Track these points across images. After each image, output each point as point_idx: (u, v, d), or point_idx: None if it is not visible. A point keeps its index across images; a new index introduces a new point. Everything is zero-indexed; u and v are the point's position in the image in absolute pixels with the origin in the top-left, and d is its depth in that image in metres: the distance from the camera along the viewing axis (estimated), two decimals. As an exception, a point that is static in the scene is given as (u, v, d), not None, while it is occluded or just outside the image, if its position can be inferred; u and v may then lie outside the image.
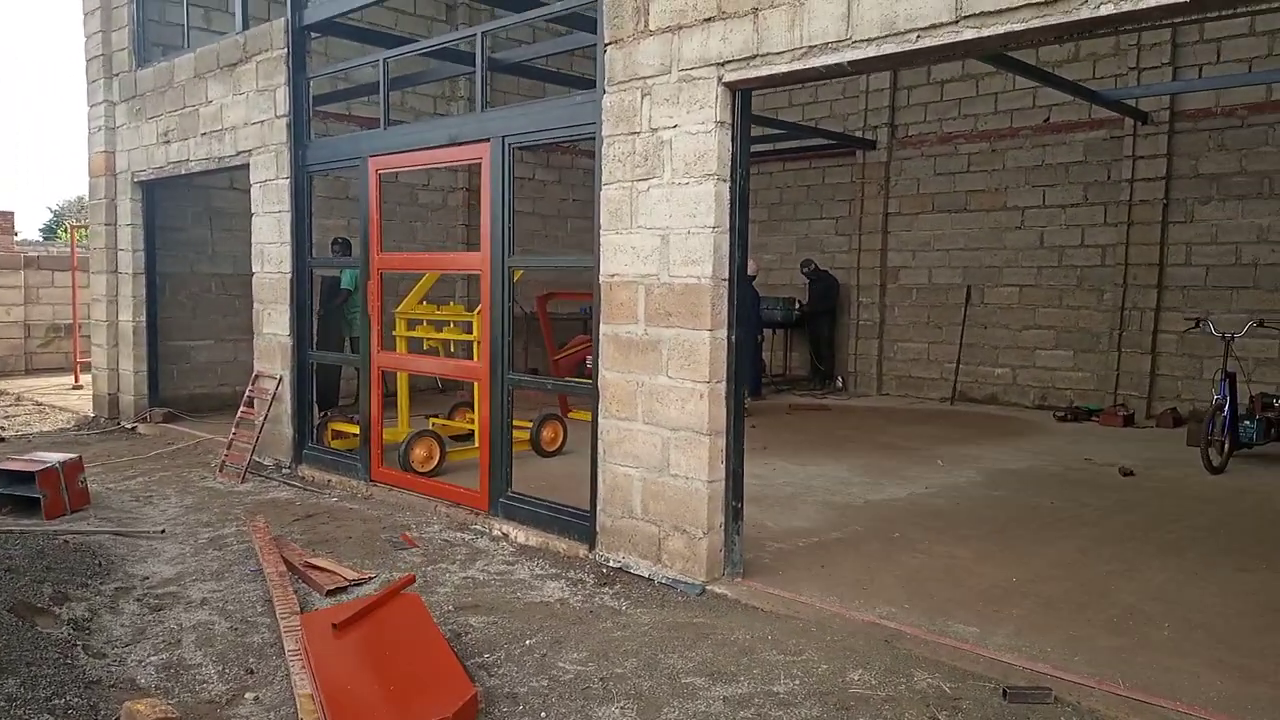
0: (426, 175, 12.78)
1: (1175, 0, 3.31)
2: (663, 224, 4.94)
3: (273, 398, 7.87)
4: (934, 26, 3.89)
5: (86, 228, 11.36)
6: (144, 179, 9.88)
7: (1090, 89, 10.12)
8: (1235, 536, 5.92)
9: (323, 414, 8.67)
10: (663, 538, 5.01)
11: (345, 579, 4.98)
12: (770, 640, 4.07)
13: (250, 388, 8.16)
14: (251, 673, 3.90)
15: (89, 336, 11.32)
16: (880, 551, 5.50)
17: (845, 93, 13.45)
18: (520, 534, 5.81)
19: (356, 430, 7.54)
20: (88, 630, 4.28)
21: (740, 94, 4.77)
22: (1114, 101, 10.36)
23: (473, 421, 8.03)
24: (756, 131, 4.81)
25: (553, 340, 10.08)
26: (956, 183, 12.47)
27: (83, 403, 11.61)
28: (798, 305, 13.57)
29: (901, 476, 7.58)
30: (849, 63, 4.22)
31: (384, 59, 7.00)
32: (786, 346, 14.39)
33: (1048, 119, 11.63)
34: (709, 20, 4.69)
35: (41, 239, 34.50)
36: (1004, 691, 3.54)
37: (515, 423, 6.35)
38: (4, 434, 9.61)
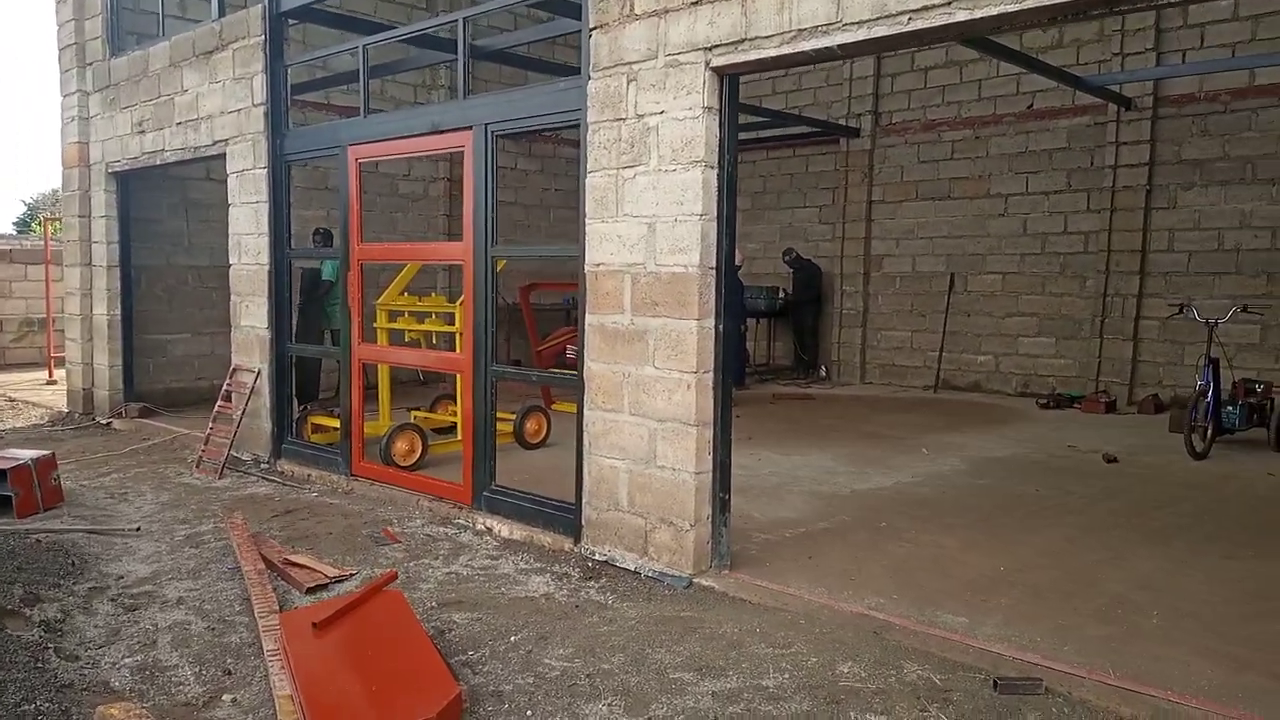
0: (407, 165, 12.64)
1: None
2: (649, 212, 4.86)
3: (251, 391, 7.74)
4: (926, 8, 3.82)
5: (60, 220, 11.15)
6: (119, 170, 9.69)
7: (1074, 75, 10.11)
8: (1221, 523, 5.93)
9: (302, 407, 8.54)
10: (649, 530, 4.95)
11: (326, 576, 4.89)
12: (759, 633, 4.02)
13: (228, 381, 8.03)
14: (229, 674, 3.81)
15: (63, 331, 11.13)
16: (867, 541, 5.47)
17: (829, 80, 13.40)
18: (504, 528, 5.74)
19: (337, 424, 7.43)
20: (60, 632, 4.17)
21: (728, 79, 4.69)
22: (1098, 87, 10.37)
23: (455, 414, 7.92)
24: (740, 119, 4.74)
25: (536, 331, 9.99)
26: (940, 170, 12.46)
27: (57, 398, 11.41)
28: (781, 294, 13.54)
29: (887, 465, 7.55)
30: (839, 46, 4.14)
31: (363, 45, 6.87)
32: (770, 336, 14.36)
33: (1031, 105, 11.62)
34: (696, 3, 4.60)
35: (15, 232, 33.97)
36: (994, 683, 3.51)
37: (499, 415, 6.27)
38: (-24, 430, 9.44)
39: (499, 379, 6.09)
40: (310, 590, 4.72)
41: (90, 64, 9.89)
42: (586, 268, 5.20)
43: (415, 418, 8.23)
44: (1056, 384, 11.50)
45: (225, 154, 8.00)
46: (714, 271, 4.76)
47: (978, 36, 6.40)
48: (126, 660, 3.95)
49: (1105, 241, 11.06)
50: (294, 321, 8.33)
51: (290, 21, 7.77)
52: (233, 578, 4.94)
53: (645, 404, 4.93)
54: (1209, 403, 7.96)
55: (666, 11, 4.74)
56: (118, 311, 10.05)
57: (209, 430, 7.82)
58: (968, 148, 12.19)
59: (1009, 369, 12.04)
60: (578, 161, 5.28)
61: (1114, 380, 11.02)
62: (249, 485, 7.17)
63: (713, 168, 4.68)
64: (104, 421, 9.95)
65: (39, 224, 29.95)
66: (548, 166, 14.16)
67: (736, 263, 5.08)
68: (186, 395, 10.62)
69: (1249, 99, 10.11)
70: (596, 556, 5.18)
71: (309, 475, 7.30)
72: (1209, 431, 7.98)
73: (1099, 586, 4.69)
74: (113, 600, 4.65)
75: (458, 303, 7.61)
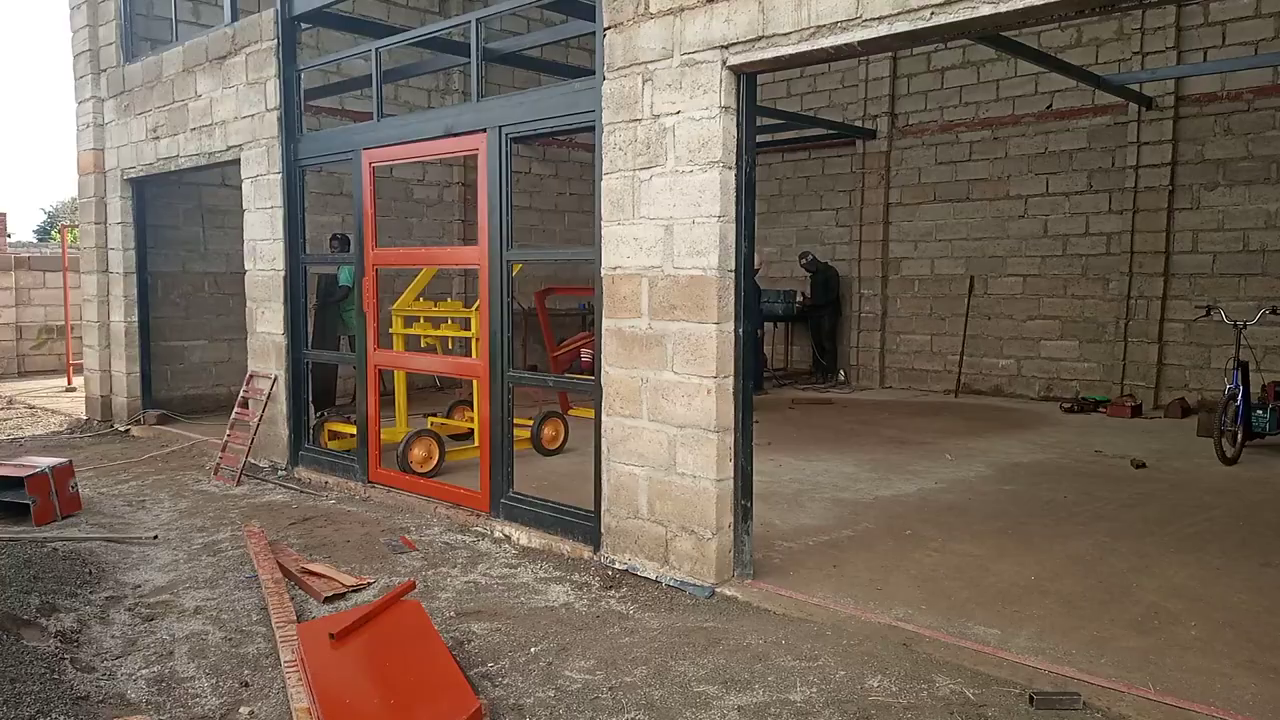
0: (422, 170, 12.63)
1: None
2: (666, 214, 4.78)
3: (268, 398, 7.71)
4: (949, 2, 3.72)
5: (77, 227, 11.19)
6: (134, 176, 9.70)
7: (1094, 74, 9.96)
8: (1255, 530, 5.78)
9: (319, 414, 8.51)
10: (670, 538, 4.86)
11: (343, 585, 4.83)
12: (784, 645, 3.93)
13: (245, 388, 8.00)
14: (246, 685, 3.74)
15: (81, 338, 11.15)
16: (893, 549, 5.36)
17: (844, 81, 13.29)
18: (523, 536, 5.66)
19: (354, 430, 7.38)
20: (76, 642, 4.12)
21: (745, 78, 4.61)
22: (1118, 86, 10.21)
23: (472, 420, 7.87)
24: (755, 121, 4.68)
25: (552, 336, 9.93)
26: (958, 171, 12.31)
27: (76, 405, 11.44)
28: (799, 298, 13.43)
29: (909, 471, 7.43)
30: (859, 42, 4.05)
31: (376, 49, 6.82)
32: (788, 340, 14.24)
33: (1050, 105, 11.47)
34: (712, 1, 4.52)
35: (36, 240, 34.27)
36: (1031, 697, 3.40)
37: (516, 421, 6.19)
38: (-5, 438, 9.46)
39: (516, 384, 6.01)
40: (328, 599, 4.66)
41: (104, 70, 9.91)
42: (603, 271, 5.13)
43: (432, 424, 8.18)
44: (1080, 388, 11.33)
45: (240, 159, 7.98)
46: (733, 274, 4.67)
47: (1000, 32, 6.29)
48: (143, 671, 3.89)
49: (1128, 243, 10.88)
50: (310, 327, 8.30)
51: (303, 25, 7.74)
52: (250, 586, 4.88)
53: (664, 410, 4.85)
54: (1238, 406, 7.81)
55: (682, 10, 4.66)
56: (135, 318, 10.06)
57: (226, 437, 7.80)
58: (986, 149, 12.04)
59: (1031, 372, 11.88)
60: (592, 165, 5.21)
61: (1139, 384, 10.84)
62: (266, 492, 7.13)
63: (730, 168, 4.60)
64: (122, 428, 9.95)
65: (58, 232, 30.18)
66: (562, 171, 14.11)
67: (755, 266, 4.99)
68: (204, 402, 10.62)
69: (1273, 97, 9.93)
70: (616, 565, 5.09)
71: (326, 482, 7.25)
72: (1239, 436, 7.82)
73: (1133, 595, 4.57)
74: (130, 610, 4.60)
75: (473, 308, 7.56)
